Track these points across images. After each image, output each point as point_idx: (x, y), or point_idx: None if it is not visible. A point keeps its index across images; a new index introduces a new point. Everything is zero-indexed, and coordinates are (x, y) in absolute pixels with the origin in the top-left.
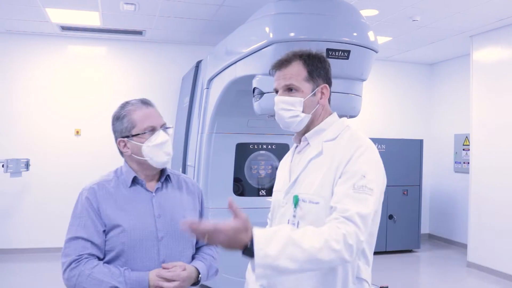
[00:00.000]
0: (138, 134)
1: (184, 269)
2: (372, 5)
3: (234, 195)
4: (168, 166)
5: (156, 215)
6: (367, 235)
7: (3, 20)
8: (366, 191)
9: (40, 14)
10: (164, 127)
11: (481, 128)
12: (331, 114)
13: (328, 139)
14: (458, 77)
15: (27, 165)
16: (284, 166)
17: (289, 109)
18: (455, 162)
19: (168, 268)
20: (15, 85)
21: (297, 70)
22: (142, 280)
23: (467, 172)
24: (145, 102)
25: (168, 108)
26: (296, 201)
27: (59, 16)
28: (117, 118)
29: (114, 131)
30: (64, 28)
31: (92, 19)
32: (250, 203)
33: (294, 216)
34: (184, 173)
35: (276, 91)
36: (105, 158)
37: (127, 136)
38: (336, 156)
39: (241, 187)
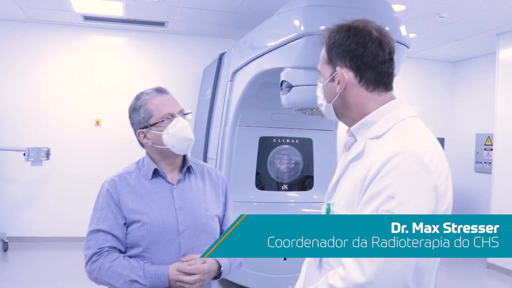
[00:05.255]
0: (157, 123)
1: (204, 262)
2: (400, 0)
3: (256, 189)
4: (189, 153)
5: (177, 208)
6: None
7: (27, 9)
8: None
9: (64, 4)
10: (182, 113)
11: (506, 128)
12: (387, 101)
13: (374, 136)
14: (482, 75)
15: (47, 154)
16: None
17: (317, 96)
18: (476, 162)
19: (187, 261)
20: (37, 74)
21: (323, 51)
22: (161, 274)
23: (489, 173)
24: (159, 90)
25: (189, 100)
26: (327, 212)
27: (83, 5)
28: (134, 109)
29: (132, 123)
30: (87, 18)
31: (116, 9)
32: (271, 197)
33: None
34: None
35: None
36: (125, 148)
37: (146, 127)
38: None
39: (262, 181)
